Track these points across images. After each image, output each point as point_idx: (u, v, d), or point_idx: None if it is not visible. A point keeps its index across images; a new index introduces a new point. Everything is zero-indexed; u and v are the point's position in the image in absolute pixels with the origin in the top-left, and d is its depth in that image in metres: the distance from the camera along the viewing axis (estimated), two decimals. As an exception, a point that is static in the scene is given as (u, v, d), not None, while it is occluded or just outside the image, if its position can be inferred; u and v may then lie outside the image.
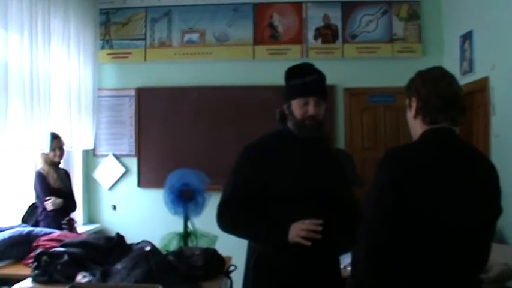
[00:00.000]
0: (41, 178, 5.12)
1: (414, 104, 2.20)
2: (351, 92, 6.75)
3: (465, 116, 2.22)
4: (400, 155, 2.14)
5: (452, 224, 2.02)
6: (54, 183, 5.15)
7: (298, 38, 6.81)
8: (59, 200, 5.07)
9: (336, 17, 6.76)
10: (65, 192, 5.25)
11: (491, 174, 2.14)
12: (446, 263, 2.03)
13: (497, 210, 2.14)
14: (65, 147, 5.38)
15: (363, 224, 2.11)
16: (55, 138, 5.22)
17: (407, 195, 2.00)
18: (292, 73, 2.93)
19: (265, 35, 6.84)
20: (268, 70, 6.51)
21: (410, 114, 2.24)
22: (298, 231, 2.63)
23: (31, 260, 3.65)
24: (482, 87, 4.94)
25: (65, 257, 3.49)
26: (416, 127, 2.21)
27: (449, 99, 2.13)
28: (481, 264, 2.19)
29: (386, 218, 2.01)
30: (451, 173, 2.05)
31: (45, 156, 5.17)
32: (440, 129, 2.14)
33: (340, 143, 6.51)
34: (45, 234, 4.38)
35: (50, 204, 5.01)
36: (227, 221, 2.92)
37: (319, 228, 2.61)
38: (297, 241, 2.62)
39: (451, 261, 2.04)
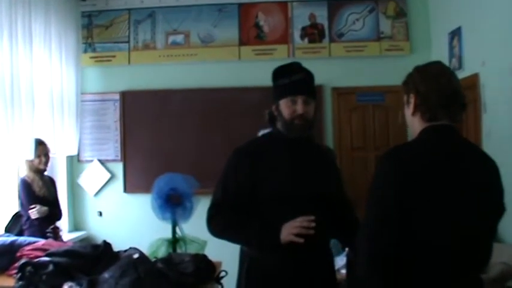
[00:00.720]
0: (25, 186, 5.02)
1: (412, 101, 2.12)
2: (338, 92, 6.69)
3: (464, 113, 2.14)
4: (400, 153, 2.06)
5: (455, 223, 1.96)
6: (39, 191, 5.05)
7: (284, 38, 6.74)
8: (44, 208, 4.98)
9: (322, 15, 6.70)
10: (50, 200, 5.15)
11: (493, 173, 2.08)
12: (449, 262, 1.98)
13: (500, 209, 2.09)
14: (50, 154, 5.27)
15: (363, 226, 2.03)
16: (40, 144, 5.12)
17: (409, 195, 1.93)
18: (279, 72, 2.87)
19: (251, 35, 6.77)
20: (254, 71, 6.45)
21: (408, 111, 2.16)
22: (290, 229, 2.56)
23: (15, 271, 3.53)
24: (472, 84, 4.88)
25: (50, 267, 3.38)
26: (415, 124, 2.14)
27: (449, 96, 2.06)
28: (483, 263, 2.13)
29: (389, 220, 1.94)
30: (454, 172, 1.98)
31: (30, 163, 5.07)
32: (441, 127, 2.06)
33: (329, 143, 6.44)
34: (30, 243, 4.25)
35: (35, 212, 4.92)
36: (217, 225, 2.85)
37: (312, 224, 2.53)
38: (290, 239, 2.54)
39: (453, 261, 1.98)
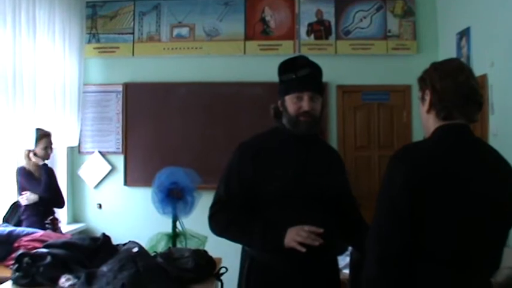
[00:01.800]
0: (25, 173, 4.98)
1: (428, 98, 2.05)
2: (344, 90, 6.64)
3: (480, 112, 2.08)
4: (414, 153, 2.00)
5: (469, 227, 1.91)
6: (39, 177, 5.01)
7: (290, 34, 6.68)
8: (34, 196, 4.94)
9: (329, 12, 6.64)
10: (51, 188, 5.09)
11: (508, 174, 2.02)
12: (463, 265, 1.92)
13: None
14: (53, 146, 5.23)
15: (374, 227, 1.97)
16: (46, 135, 5.08)
17: (423, 196, 1.87)
18: (285, 67, 2.81)
19: (257, 30, 6.71)
20: (259, 66, 6.41)
21: (423, 108, 2.10)
22: (295, 236, 2.49)
23: (12, 262, 3.51)
24: (480, 85, 4.79)
25: (48, 259, 3.35)
26: (429, 122, 2.07)
27: (466, 94, 2.00)
28: (494, 267, 2.08)
29: (402, 221, 1.88)
30: (469, 173, 1.92)
31: (29, 153, 5.02)
32: (456, 126, 2.00)
33: (333, 141, 6.40)
34: (27, 234, 4.22)
35: (24, 198, 4.89)
36: (219, 223, 2.79)
37: (318, 241, 2.46)
38: (293, 246, 2.47)
39: (465, 264, 1.93)
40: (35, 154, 5.03)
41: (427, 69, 2.12)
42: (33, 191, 4.93)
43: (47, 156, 5.10)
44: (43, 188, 4.97)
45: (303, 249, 2.45)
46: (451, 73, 2.02)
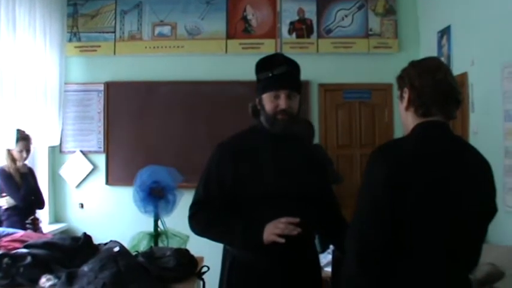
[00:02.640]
0: (5, 176, 4.94)
1: (406, 96, 2.07)
2: (325, 88, 6.66)
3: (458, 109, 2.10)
4: (393, 150, 2.01)
5: (448, 222, 1.92)
6: (18, 181, 4.97)
7: (272, 32, 6.69)
8: (11, 201, 4.91)
9: (311, 11, 6.66)
10: (30, 190, 5.05)
11: (487, 172, 2.04)
12: (440, 262, 1.93)
13: (493, 209, 2.04)
14: (32, 148, 5.18)
15: (354, 224, 1.98)
16: (24, 139, 5.04)
17: (403, 193, 1.87)
18: (262, 65, 2.78)
19: (238, 28, 6.71)
20: (241, 65, 6.34)
21: (402, 106, 2.11)
22: (273, 229, 2.49)
23: (-9, 262, 3.46)
24: (460, 83, 4.85)
25: (28, 259, 3.31)
26: (408, 119, 2.08)
27: (445, 91, 2.01)
28: (473, 264, 2.10)
29: (382, 218, 1.89)
30: (447, 170, 1.93)
31: (9, 153, 4.97)
32: (435, 123, 2.01)
33: (315, 139, 6.39)
34: (8, 234, 4.16)
35: (4, 201, 4.89)
36: (199, 223, 2.78)
37: (296, 230, 2.46)
38: (272, 239, 2.47)
39: (444, 260, 1.94)
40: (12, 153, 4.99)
41: (405, 67, 2.13)
42: (11, 196, 4.90)
43: (21, 159, 5.05)
44: (21, 197, 4.93)
45: (282, 240, 2.45)
46: (429, 71, 2.03)
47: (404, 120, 2.13)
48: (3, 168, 5.00)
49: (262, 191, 2.63)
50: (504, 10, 4.24)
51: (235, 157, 2.71)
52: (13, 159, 5.00)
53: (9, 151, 4.99)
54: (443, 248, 1.93)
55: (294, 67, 2.78)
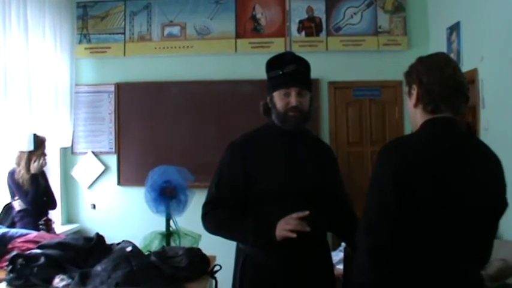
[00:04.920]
0: (14, 179, 4.96)
1: (415, 92, 2.06)
2: (335, 86, 6.65)
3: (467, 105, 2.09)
4: (402, 146, 2.01)
5: (457, 218, 1.92)
6: (26, 185, 4.97)
7: (281, 31, 6.69)
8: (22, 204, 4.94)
9: (319, 9, 6.65)
10: (41, 191, 5.07)
11: (497, 168, 2.03)
12: (452, 257, 1.94)
13: (503, 204, 2.04)
14: (46, 152, 5.20)
15: (364, 219, 1.98)
16: (43, 143, 5.06)
17: (410, 189, 1.88)
18: (272, 64, 2.81)
19: (248, 28, 6.71)
20: (251, 64, 6.40)
21: (410, 102, 2.11)
22: (284, 225, 2.52)
23: (6, 263, 3.49)
24: (470, 79, 4.84)
25: (42, 259, 3.34)
26: (417, 116, 2.08)
27: (453, 87, 2.01)
28: (484, 259, 2.09)
29: (390, 214, 1.89)
30: (457, 166, 1.93)
31: (21, 154, 4.99)
32: (444, 119, 2.01)
33: (325, 137, 6.40)
34: (21, 235, 4.20)
35: (17, 204, 4.92)
36: (212, 222, 2.81)
37: (306, 227, 2.47)
38: (284, 235, 2.49)
39: (455, 256, 1.94)
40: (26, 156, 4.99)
41: (413, 64, 2.13)
42: (21, 200, 4.93)
43: (39, 167, 5.06)
44: (29, 201, 4.94)
45: (294, 235, 2.46)
46: (437, 66, 2.03)
47: (412, 116, 2.13)
48: (13, 171, 5.01)
49: (274, 188, 2.65)
50: (513, 5, 4.23)
51: (247, 155, 2.73)
52: (28, 163, 4.99)
53: (25, 154, 4.98)
54: (453, 244, 1.93)
55: (304, 65, 2.80)
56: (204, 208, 2.82)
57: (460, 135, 2.06)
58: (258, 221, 2.62)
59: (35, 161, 4.99)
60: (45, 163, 5.12)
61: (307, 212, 2.50)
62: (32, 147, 4.97)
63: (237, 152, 2.78)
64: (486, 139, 4.43)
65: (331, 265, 2.95)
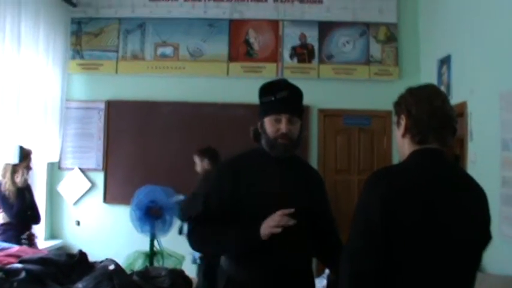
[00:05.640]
0: (0, 190, 4.92)
1: (403, 122, 2.07)
2: (325, 113, 6.69)
3: (454, 137, 2.11)
4: (388, 175, 2.01)
5: (442, 250, 1.91)
6: (12, 198, 4.93)
7: (273, 56, 6.74)
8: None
9: (312, 36, 6.71)
10: (25, 206, 5.03)
11: (482, 200, 2.04)
12: None
13: (487, 237, 2.04)
14: (32, 165, 5.17)
15: (347, 246, 1.98)
16: (28, 155, 5.02)
17: (395, 218, 1.88)
18: (265, 89, 2.81)
19: (241, 51, 6.76)
20: (242, 88, 6.43)
21: (398, 132, 2.11)
22: (269, 221, 2.49)
23: (-14, 277, 3.45)
24: (460, 112, 4.88)
25: (23, 274, 3.31)
26: (404, 146, 2.09)
27: (441, 119, 2.02)
28: None
29: (375, 242, 1.89)
30: (442, 197, 1.94)
31: (7, 166, 4.96)
32: (431, 150, 2.02)
33: (313, 164, 6.36)
34: (3, 249, 4.17)
35: (0, 217, 4.89)
36: (197, 238, 2.78)
37: (293, 221, 2.46)
38: (269, 231, 2.47)
39: (438, 287, 1.92)
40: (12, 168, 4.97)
41: (403, 94, 2.14)
42: (5, 213, 4.89)
43: (24, 176, 5.03)
44: (13, 214, 4.91)
45: (279, 230, 2.45)
46: (426, 98, 2.04)
47: (400, 146, 2.14)
48: (-1, 183, 4.98)
49: (259, 211, 2.63)
50: (503, 40, 4.28)
51: (235, 176, 2.72)
52: (13, 176, 4.96)
53: (11, 167, 4.96)
54: (437, 276, 1.92)
55: (297, 93, 2.80)
56: (189, 224, 2.81)
57: (447, 166, 2.07)
58: (242, 225, 2.61)
59: (19, 175, 4.96)
60: (28, 177, 5.09)
61: (292, 210, 2.49)
62: (17, 160, 4.94)
63: (226, 172, 2.77)
64: (473, 172, 4.46)
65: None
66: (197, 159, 5.66)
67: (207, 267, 4.57)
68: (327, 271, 3.87)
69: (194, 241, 2.78)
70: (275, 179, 2.73)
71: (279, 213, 2.49)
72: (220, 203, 2.70)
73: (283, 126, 2.67)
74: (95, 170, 6.78)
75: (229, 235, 2.64)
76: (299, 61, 6.72)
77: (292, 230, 2.55)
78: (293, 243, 2.52)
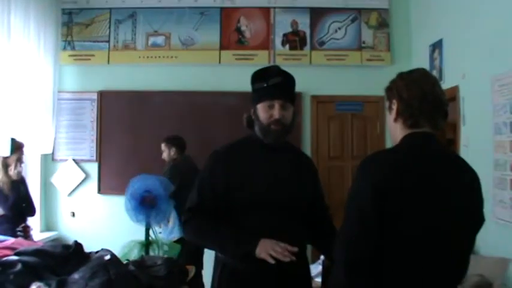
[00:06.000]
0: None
1: (395, 107, 2.09)
2: (318, 100, 6.69)
3: (446, 121, 2.12)
4: (380, 160, 2.02)
5: (434, 233, 1.93)
6: (7, 190, 4.94)
7: (265, 44, 6.73)
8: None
9: (304, 23, 6.70)
10: (20, 198, 5.04)
11: (474, 182, 2.05)
12: (428, 273, 1.94)
13: (480, 220, 2.06)
14: (24, 158, 5.16)
15: (341, 233, 1.99)
16: (20, 148, 5.01)
17: (388, 203, 1.89)
18: (257, 76, 2.81)
19: (232, 39, 6.74)
20: (234, 75, 6.42)
21: (390, 117, 2.13)
22: (269, 249, 2.47)
23: (-18, 269, 3.45)
24: (452, 96, 4.90)
25: (19, 266, 3.30)
26: (397, 131, 2.10)
27: (432, 102, 2.03)
28: (461, 275, 2.10)
29: (368, 227, 1.90)
30: (434, 180, 1.95)
31: (3, 161, 4.96)
32: (423, 134, 2.03)
33: (307, 151, 6.40)
34: (-2, 241, 4.17)
35: None
36: (192, 230, 2.79)
37: (290, 258, 2.45)
38: (264, 257, 2.47)
39: (432, 271, 1.95)
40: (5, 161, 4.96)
41: (394, 79, 2.15)
42: (0, 205, 4.89)
43: (16, 169, 5.02)
44: (9, 207, 4.91)
45: (273, 261, 2.45)
46: (417, 82, 2.05)
47: (392, 131, 2.15)
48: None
49: (253, 199, 2.64)
50: (495, 24, 4.29)
51: (228, 165, 2.73)
52: (6, 168, 4.97)
53: (3, 159, 4.96)
54: (430, 259, 1.93)
55: (289, 79, 2.81)
56: (184, 215, 2.81)
57: (439, 149, 2.08)
58: (238, 231, 2.61)
59: (12, 167, 4.96)
60: (21, 169, 5.09)
61: (295, 249, 2.48)
62: (9, 152, 4.93)
63: (219, 161, 2.77)
64: (466, 155, 4.50)
65: (309, 278, 2.95)
66: (165, 147, 5.75)
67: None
68: (321, 257, 3.88)
69: (188, 233, 2.80)
70: (268, 166, 2.74)
71: (282, 245, 2.47)
72: (214, 192, 2.71)
73: (276, 112, 2.68)
74: (89, 160, 6.78)
75: (224, 238, 2.64)
76: (291, 48, 6.71)
77: (286, 223, 2.57)
78: (288, 234, 2.53)
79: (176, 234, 5.17)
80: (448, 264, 1.98)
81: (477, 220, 2.06)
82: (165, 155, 5.91)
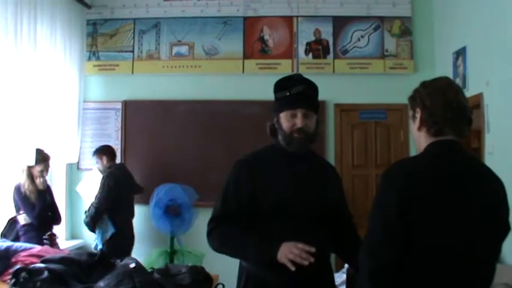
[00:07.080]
0: (20, 194, 4.97)
1: (418, 116, 2.09)
2: (341, 108, 6.68)
3: (470, 128, 2.11)
4: (405, 169, 2.02)
5: (460, 242, 1.92)
6: (34, 199, 4.99)
7: (288, 53, 6.74)
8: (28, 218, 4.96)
9: (327, 31, 6.70)
10: (46, 206, 5.09)
11: (500, 190, 2.04)
12: (453, 282, 1.93)
13: (506, 228, 2.05)
14: (50, 168, 5.24)
15: (366, 242, 1.99)
16: (45, 159, 5.08)
17: (413, 211, 1.89)
18: (280, 85, 2.82)
19: (255, 48, 6.76)
20: (257, 84, 6.42)
21: (414, 126, 2.13)
22: (287, 253, 2.48)
23: (9, 277, 3.50)
24: (476, 104, 4.87)
25: (45, 274, 3.35)
26: (421, 139, 2.10)
27: (456, 110, 2.03)
28: (487, 284, 2.08)
29: (392, 236, 1.90)
30: (460, 188, 1.95)
31: (29, 170, 5.02)
32: (447, 142, 2.03)
33: (330, 159, 6.39)
34: (25, 249, 4.21)
35: (22, 218, 4.94)
36: (216, 239, 2.79)
37: (308, 260, 2.45)
38: (284, 262, 2.47)
39: (458, 280, 1.94)
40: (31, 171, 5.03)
41: (417, 88, 2.16)
42: (26, 214, 4.95)
43: (41, 179, 5.09)
44: (35, 215, 4.96)
45: (293, 268, 2.45)
46: (440, 90, 2.05)
47: (417, 139, 2.15)
48: (19, 185, 5.03)
49: (277, 207, 2.65)
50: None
51: (253, 173, 2.74)
52: (32, 177, 5.04)
53: (28, 168, 5.02)
54: (455, 268, 1.93)
55: (312, 87, 2.81)
56: (209, 225, 2.81)
57: (464, 156, 2.08)
58: (261, 239, 2.62)
59: (37, 177, 5.03)
60: (46, 179, 5.16)
61: (313, 249, 2.48)
62: (34, 162, 5.00)
63: (244, 170, 2.78)
64: (491, 163, 4.45)
65: (333, 286, 2.95)
66: (97, 159, 5.98)
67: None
68: (346, 266, 3.88)
69: (213, 243, 2.79)
70: (292, 175, 2.75)
71: (300, 246, 2.47)
72: (239, 201, 2.72)
73: (298, 121, 2.68)
74: (114, 169, 6.81)
75: (247, 245, 2.65)
76: (314, 57, 6.71)
77: (311, 232, 2.57)
78: (312, 242, 2.52)
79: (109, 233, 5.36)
80: (473, 273, 1.97)
81: (503, 229, 2.04)
82: (99, 166, 6.07)
